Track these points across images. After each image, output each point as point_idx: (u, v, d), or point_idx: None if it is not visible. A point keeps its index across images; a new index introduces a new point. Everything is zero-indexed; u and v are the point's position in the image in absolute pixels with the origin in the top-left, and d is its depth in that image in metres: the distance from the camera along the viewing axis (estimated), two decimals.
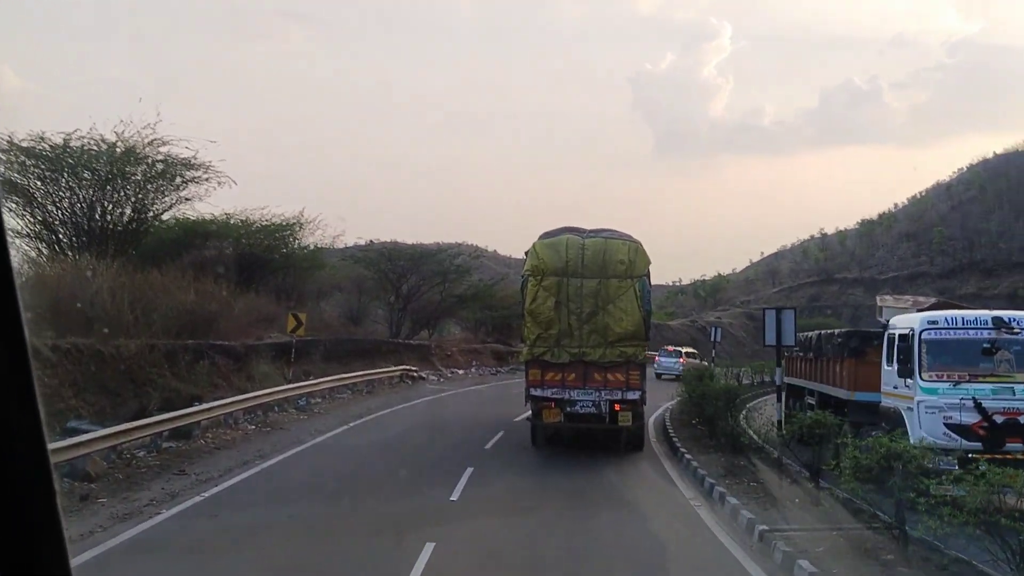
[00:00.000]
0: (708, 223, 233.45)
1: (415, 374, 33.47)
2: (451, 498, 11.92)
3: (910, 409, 12.42)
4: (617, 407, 15.78)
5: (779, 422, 13.85)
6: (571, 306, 15.84)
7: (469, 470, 13.80)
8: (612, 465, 15.35)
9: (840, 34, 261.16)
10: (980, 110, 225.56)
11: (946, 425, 11.91)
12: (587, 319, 15.85)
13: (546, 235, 16.53)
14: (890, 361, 13.31)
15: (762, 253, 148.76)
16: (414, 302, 48.67)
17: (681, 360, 39.15)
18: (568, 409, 15.89)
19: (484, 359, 45.23)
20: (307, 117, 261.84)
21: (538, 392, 15.93)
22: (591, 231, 16.65)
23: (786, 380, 18.87)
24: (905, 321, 13.51)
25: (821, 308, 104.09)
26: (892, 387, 13.20)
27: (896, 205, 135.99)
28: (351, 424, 20.25)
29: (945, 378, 12.21)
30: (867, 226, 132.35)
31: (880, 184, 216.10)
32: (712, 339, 35.57)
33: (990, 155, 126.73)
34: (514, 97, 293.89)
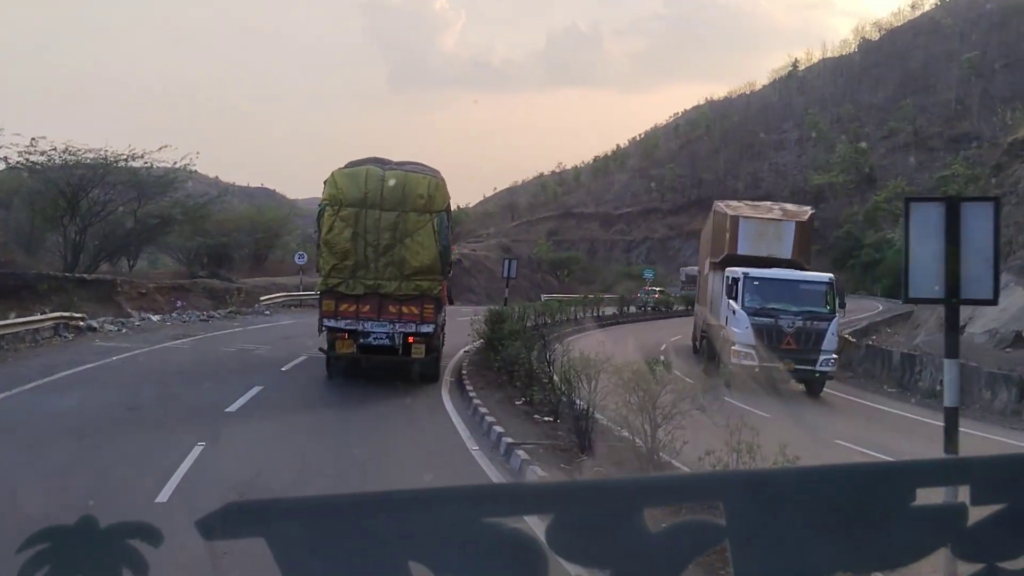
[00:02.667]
0: (443, 157, 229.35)
1: (82, 323, 23.39)
2: None
3: None
4: (411, 339, 15.93)
5: None
6: (368, 238, 15.67)
7: None
8: None
9: None
10: (693, 59, 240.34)
11: None
12: (384, 252, 15.62)
13: (349, 165, 16.45)
14: None
15: (495, 188, 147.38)
16: (98, 224, 38.22)
17: (655, 296, 51.60)
18: (362, 340, 15.92)
19: (194, 299, 35.07)
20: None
21: (332, 323, 15.90)
22: (395, 163, 16.68)
23: None
24: None
25: (560, 242, 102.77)
26: None
27: (619, 146, 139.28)
28: None
29: None
30: (602, 162, 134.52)
31: (609, 124, 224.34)
32: (505, 274, 29.01)
33: (715, 97, 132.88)
34: (239, 15, 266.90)
